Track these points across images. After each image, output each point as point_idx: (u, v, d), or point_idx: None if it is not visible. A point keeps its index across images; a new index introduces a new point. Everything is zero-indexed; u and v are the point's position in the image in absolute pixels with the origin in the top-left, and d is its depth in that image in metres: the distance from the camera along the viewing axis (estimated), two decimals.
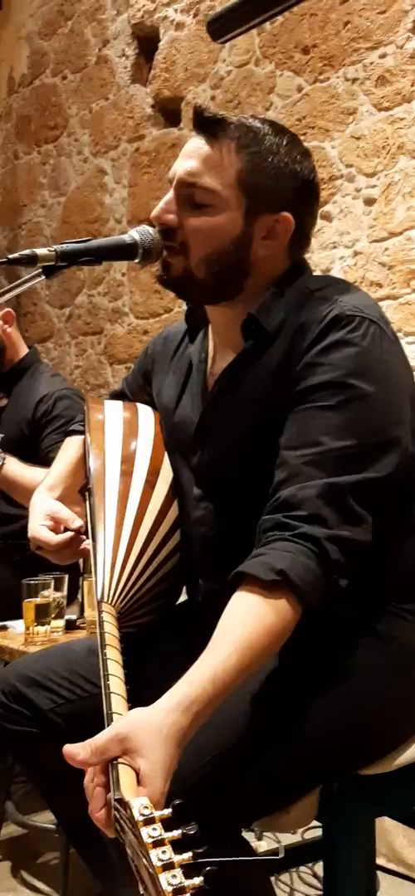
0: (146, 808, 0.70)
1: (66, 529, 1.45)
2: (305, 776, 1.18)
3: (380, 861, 2.24)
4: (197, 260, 1.28)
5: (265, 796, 1.15)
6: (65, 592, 2.07)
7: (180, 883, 0.64)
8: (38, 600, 1.99)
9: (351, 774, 1.22)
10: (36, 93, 3.98)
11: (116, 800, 0.79)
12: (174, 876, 0.64)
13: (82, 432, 1.58)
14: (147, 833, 0.68)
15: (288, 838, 2.11)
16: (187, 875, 0.65)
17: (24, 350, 2.65)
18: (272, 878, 2.12)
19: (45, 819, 2.18)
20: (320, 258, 2.56)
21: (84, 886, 1.62)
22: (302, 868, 2.21)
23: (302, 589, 1.04)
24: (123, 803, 0.76)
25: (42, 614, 1.98)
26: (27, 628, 1.98)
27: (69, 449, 1.61)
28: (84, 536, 1.43)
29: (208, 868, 0.64)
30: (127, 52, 3.41)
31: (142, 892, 0.70)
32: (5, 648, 2.01)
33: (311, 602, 1.05)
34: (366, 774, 1.23)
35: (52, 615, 2.01)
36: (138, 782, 0.86)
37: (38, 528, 1.45)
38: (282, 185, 1.28)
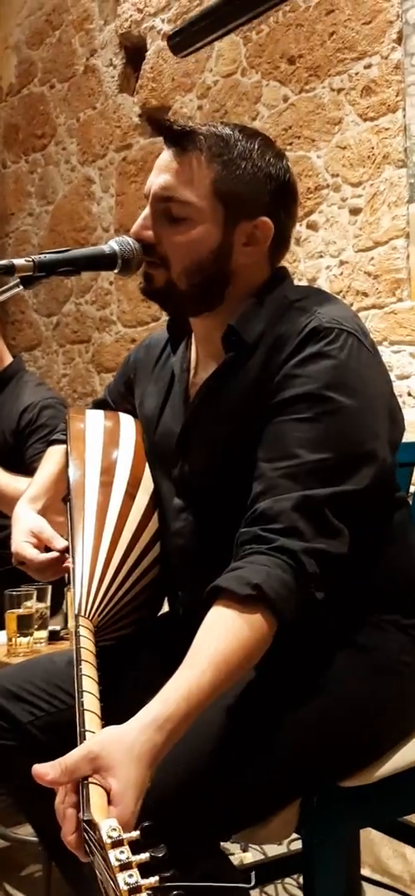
0: (114, 830, 0.70)
1: (47, 548, 1.44)
2: (284, 788, 1.17)
3: (365, 872, 2.23)
4: (178, 273, 1.27)
5: (243, 808, 1.14)
6: (48, 603, 2.05)
7: None
8: (21, 611, 1.97)
9: (331, 786, 1.21)
10: (24, 102, 3.98)
11: (84, 821, 0.78)
12: None
13: (65, 441, 1.57)
14: (114, 856, 0.67)
15: (273, 849, 2.10)
16: None
17: (8, 359, 2.63)
18: (257, 890, 2.12)
19: (27, 831, 2.16)
20: (306, 267, 2.56)
21: None
22: (287, 879, 2.19)
23: (277, 603, 1.03)
24: (92, 825, 0.75)
25: (25, 625, 1.97)
26: (9, 639, 1.96)
27: (51, 459, 1.60)
28: (67, 555, 1.42)
29: (176, 892, 0.63)
30: (114, 62, 3.41)
31: None
32: None
33: (286, 616, 1.05)
34: (346, 786, 1.22)
35: (35, 626, 1.99)
36: (109, 802, 0.85)
37: (22, 544, 1.44)
38: (258, 189, 1.27)
